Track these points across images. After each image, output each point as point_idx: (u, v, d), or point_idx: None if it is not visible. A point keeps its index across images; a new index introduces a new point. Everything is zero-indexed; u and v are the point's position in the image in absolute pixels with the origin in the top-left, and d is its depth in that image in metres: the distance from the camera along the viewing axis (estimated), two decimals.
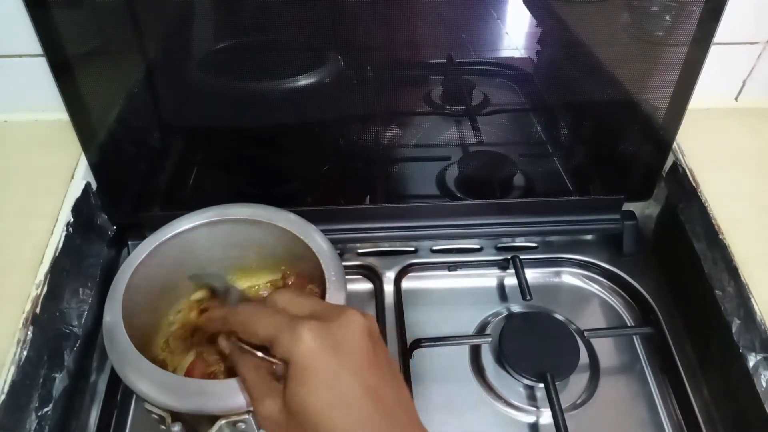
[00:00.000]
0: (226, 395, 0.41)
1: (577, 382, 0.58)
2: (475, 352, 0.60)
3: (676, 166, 0.65)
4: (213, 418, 0.41)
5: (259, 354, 0.38)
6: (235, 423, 0.41)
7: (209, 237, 0.54)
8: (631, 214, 0.68)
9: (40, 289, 0.49)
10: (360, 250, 0.67)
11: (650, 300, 0.63)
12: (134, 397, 0.57)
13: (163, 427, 0.42)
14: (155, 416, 0.42)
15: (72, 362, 0.52)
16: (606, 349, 0.61)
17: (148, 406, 0.42)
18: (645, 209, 0.71)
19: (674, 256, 0.65)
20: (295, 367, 0.35)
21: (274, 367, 0.38)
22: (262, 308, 0.39)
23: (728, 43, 0.62)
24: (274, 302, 0.40)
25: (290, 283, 0.55)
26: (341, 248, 0.66)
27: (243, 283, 0.58)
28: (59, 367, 0.51)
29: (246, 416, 0.41)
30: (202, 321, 0.44)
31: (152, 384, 0.42)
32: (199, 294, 0.55)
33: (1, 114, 0.64)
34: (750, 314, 0.51)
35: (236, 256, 0.57)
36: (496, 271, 0.68)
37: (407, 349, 0.59)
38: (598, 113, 0.67)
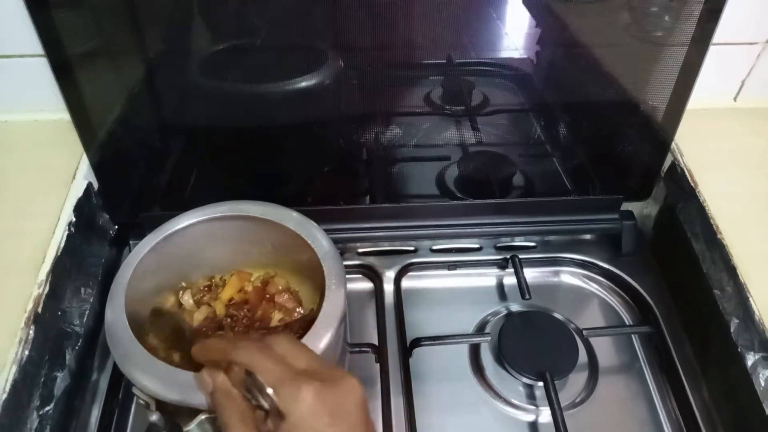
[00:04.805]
0: None
1: (576, 380, 0.58)
2: (475, 351, 0.60)
3: (675, 166, 0.65)
4: (196, 412, 0.41)
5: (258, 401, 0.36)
6: (215, 419, 0.41)
7: (209, 233, 0.54)
8: (629, 214, 0.69)
9: (41, 289, 0.50)
10: (360, 250, 0.68)
11: (649, 299, 0.64)
12: (135, 396, 0.57)
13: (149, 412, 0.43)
14: (141, 401, 0.43)
15: (73, 361, 0.53)
16: (605, 348, 0.61)
17: (135, 390, 0.43)
18: (644, 209, 0.71)
19: (673, 256, 0.65)
20: (291, 424, 0.34)
21: (266, 420, 0.36)
22: (264, 353, 0.37)
23: (727, 43, 0.62)
24: (271, 347, 0.38)
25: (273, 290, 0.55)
26: (341, 248, 0.67)
27: (239, 280, 0.58)
28: (60, 366, 0.51)
29: None
30: (197, 348, 0.41)
31: (148, 375, 0.42)
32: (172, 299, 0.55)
33: (2, 114, 0.64)
34: (748, 314, 0.51)
35: (234, 253, 0.57)
36: (495, 271, 0.68)
37: (407, 348, 0.59)
38: (597, 113, 0.67)
